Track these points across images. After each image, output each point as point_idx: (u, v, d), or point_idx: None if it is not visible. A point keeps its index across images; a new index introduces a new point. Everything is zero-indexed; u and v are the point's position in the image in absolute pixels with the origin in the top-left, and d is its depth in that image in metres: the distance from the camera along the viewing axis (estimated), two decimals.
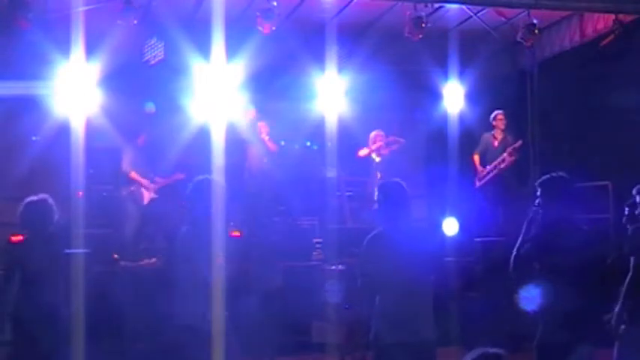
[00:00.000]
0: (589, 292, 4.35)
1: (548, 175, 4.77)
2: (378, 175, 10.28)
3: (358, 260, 4.86)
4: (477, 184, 10.62)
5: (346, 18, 10.04)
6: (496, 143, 10.55)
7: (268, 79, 10.56)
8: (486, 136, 10.65)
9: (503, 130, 10.55)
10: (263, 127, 10.02)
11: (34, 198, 5.56)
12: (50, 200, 5.58)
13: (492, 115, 10.59)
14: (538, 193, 4.73)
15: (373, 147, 10.54)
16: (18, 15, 8.13)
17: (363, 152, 10.61)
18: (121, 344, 7.21)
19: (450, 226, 9.10)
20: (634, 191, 4.98)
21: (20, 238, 5.68)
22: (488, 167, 10.50)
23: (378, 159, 10.54)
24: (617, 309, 4.63)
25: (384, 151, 10.54)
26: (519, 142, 10.36)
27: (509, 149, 10.31)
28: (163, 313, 5.13)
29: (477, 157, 10.67)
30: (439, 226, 9.21)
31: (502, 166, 10.38)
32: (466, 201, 10.13)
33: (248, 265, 8.13)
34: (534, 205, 4.74)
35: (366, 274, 4.72)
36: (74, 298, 5.59)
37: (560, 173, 4.76)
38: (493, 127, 10.62)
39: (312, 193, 10.27)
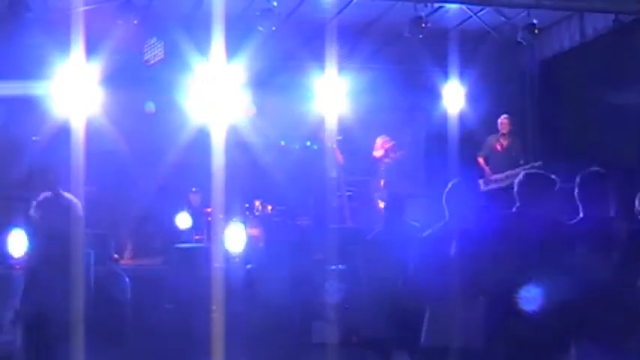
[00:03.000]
0: None
1: (588, 170, 4.54)
2: (382, 182, 10.39)
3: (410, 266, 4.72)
4: (482, 187, 10.42)
5: (346, 18, 10.03)
6: (499, 147, 10.41)
7: (268, 79, 10.56)
8: (491, 138, 10.54)
9: (506, 135, 10.41)
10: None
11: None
12: None
13: (499, 120, 10.44)
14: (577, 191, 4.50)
15: (388, 150, 10.58)
16: (18, 14, 8.12)
17: (378, 153, 10.65)
18: (121, 344, 7.20)
19: None
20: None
21: None
22: (498, 175, 10.29)
23: (382, 166, 10.57)
24: None
25: (391, 158, 10.57)
26: (539, 163, 9.84)
27: (529, 166, 9.76)
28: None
29: (481, 160, 10.57)
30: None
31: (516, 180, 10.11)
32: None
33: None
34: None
35: (422, 284, 4.59)
36: (74, 298, 5.59)
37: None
38: (498, 131, 10.49)
39: (312, 193, 10.26)
